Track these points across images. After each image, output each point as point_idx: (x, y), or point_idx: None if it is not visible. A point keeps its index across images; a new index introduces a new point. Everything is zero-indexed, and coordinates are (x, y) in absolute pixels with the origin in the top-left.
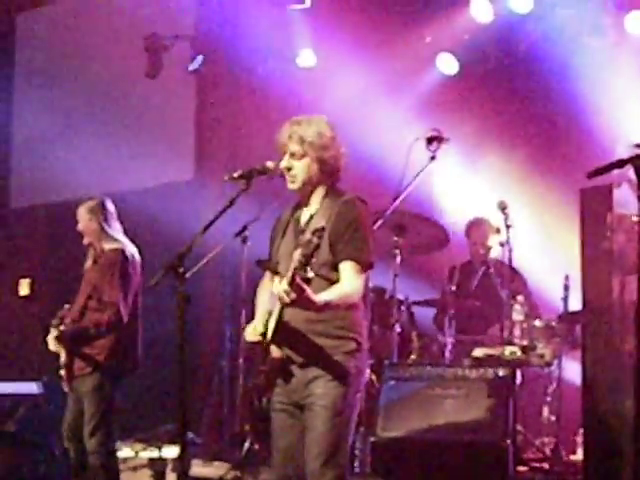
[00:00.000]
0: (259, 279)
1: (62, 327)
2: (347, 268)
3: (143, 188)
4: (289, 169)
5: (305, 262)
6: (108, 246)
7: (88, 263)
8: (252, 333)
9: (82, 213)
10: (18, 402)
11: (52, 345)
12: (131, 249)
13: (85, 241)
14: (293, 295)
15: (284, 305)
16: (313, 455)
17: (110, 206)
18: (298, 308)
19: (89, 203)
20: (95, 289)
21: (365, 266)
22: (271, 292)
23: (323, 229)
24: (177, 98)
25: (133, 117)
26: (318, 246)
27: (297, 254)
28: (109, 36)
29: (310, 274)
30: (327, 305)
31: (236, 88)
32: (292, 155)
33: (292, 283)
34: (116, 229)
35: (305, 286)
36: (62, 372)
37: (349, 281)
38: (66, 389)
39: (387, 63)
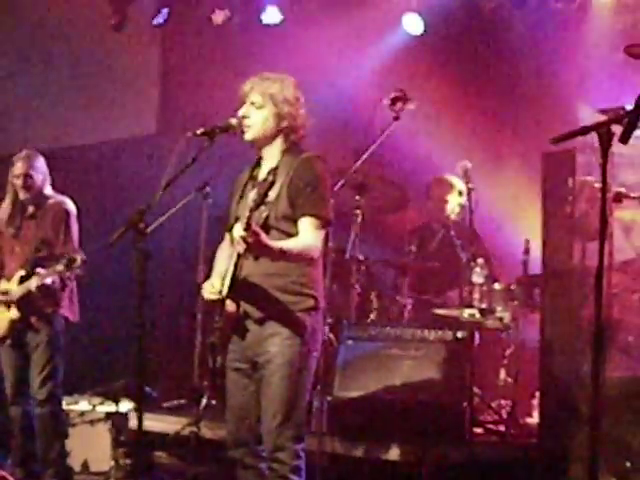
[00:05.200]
0: (219, 235)
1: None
2: (306, 223)
3: (104, 141)
4: (245, 117)
5: (260, 201)
6: (51, 200)
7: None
8: (209, 290)
9: (24, 165)
10: None
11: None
12: (70, 202)
13: (22, 196)
14: (249, 239)
15: (240, 255)
16: (270, 414)
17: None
18: (254, 255)
19: (27, 155)
20: (43, 243)
21: (324, 222)
22: (229, 252)
23: (277, 168)
24: (141, 51)
25: (96, 69)
26: (272, 184)
27: (252, 194)
28: None
29: (264, 213)
30: (283, 254)
31: (201, 43)
32: (252, 104)
33: (248, 228)
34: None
35: (260, 231)
36: (5, 330)
37: (308, 235)
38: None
39: (353, 22)
